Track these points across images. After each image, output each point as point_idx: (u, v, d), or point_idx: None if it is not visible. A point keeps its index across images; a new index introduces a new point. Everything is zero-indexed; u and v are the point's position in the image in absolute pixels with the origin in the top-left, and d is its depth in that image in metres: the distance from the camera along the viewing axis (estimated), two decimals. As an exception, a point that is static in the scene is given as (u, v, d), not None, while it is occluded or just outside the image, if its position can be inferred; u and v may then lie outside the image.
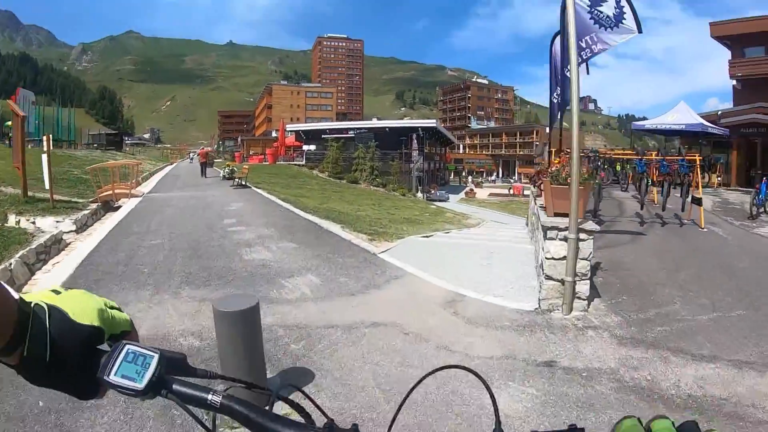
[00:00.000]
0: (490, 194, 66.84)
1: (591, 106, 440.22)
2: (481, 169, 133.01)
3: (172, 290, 8.15)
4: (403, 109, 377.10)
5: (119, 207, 18.17)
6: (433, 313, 7.41)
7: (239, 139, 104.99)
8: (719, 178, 32.03)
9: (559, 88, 12.27)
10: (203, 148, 41.28)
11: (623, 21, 8.13)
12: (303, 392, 1.03)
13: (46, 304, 0.87)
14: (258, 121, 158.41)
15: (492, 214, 36.61)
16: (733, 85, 37.18)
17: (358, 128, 55.64)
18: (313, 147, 56.39)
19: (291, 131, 64.41)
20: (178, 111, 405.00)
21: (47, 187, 15.74)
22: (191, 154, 52.47)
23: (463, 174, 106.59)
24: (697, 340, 6.42)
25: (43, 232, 12.24)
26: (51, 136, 18.74)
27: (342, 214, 17.02)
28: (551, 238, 7.50)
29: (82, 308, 0.92)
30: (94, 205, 17.25)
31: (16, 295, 0.81)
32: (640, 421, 0.84)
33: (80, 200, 17.92)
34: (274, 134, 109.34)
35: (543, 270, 7.59)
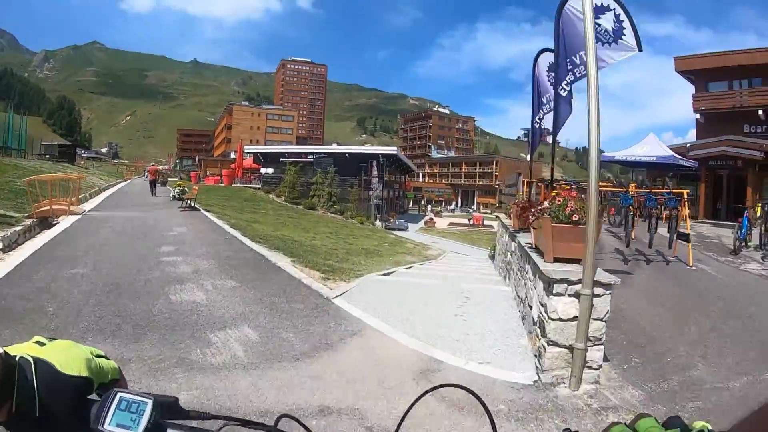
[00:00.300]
0: (450, 224, 66.57)
1: (549, 139, 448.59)
2: (441, 199, 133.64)
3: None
4: (364, 135, 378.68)
5: (56, 224, 16.94)
6: (403, 392, 5.47)
7: (197, 159, 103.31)
8: (688, 211, 32.45)
9: (542, 111, 11.51)
10: (153, 165, 40.17)
11: (622, 37, 7.48)
12: (303, 425, 1.04)
13: (32, 357, 0.87)
14: (217, 142, 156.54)
15: (452, 245, 36.63)
16: (697, 119, 38.00)
17: (317, 153, 55.03)
18: (271, 170, 55.52)
19: (249, 153, 63.42)
20: (138, 127, 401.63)
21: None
22: (145, 172, 51.57)
23: (422, 203, 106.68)
24: (739, 416, 5.74)
25: None
26: None
27: (295, 244, 16.02)
28: (558, 294, 5.87)
29: (69, 359, 0.92)
30: (29, 221, 16.05)
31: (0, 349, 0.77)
32: (626, 425, 0.89)
33: (16, 214, 16.82)
34: (232, 155, 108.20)
35: (544, 333, 6.07)
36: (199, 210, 23.56)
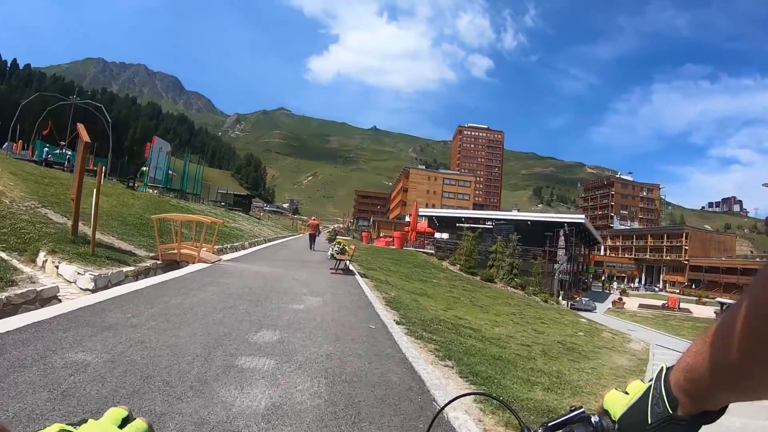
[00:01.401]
0: (640, 305, 59.34)
1: (736, 208, 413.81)
2: (623, 274, 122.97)
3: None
4: (540, 205, 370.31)
5: (177, 270, 13.73)
6: None
7: (371, 220, 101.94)
8: None
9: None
10: (313, 219, 37.84)
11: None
12: None
13: None
14: (392, 204, 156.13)
15: (652, 334, 32.41)
16: None
17: (497, 219, 50.53)
18: (446, 235, 52.00)
19: (424, 216, 59.98)
20: (318, 186, 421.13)
21: (91, 230, 13.00)
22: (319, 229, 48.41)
23: (603, 278, 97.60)
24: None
25: (33, 283, 9.62)
26: (104, 167, 15.75)
27: (474, 337, 11.14)
28: None
29: None
30: (148, 263, 14.01)
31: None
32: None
33: (142, 253, 14.98)
34: (407, 218, 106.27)
35: None
36: (355, 275, 19.18)
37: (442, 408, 1.17)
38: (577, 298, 48.14)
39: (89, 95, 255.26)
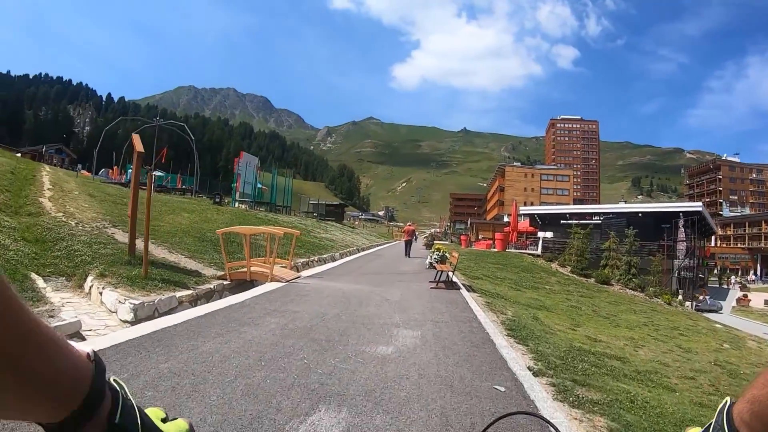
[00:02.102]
0: (767, 302, 53.44)
1: None
2: (736, 266, 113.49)
3: None
4: (639, 197, 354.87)
5: (248, 291, 11.58)
6: None
7: (469, 222, 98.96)
8: None
9: None
10: (409, 225, 35.91)
11: None
12: None
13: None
14: (489, 205, 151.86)
15: None
16: None
17: (606, 213, 46.74)
18: (549, 234, 48.47)
19: (525, 215, 56.61)
20: (413, 192, 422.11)
21: (143, 248, 11.17)
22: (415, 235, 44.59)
23: (715, 272, 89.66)
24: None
25: (51, 317, 7.56)
26: (154, 177, 13.71)
27: (624, 368, 8.48)
28: None
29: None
30: (213, 284, 12.03)
31: (88, 349, 0.69)
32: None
33: (209, 272, 13.16)
34: (506, 218, 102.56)
35: None
36: (460, 288, 15.72)
37: (493, 422, 1.05)
38: (701, 297, 43.70)
39: (182, 120, 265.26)
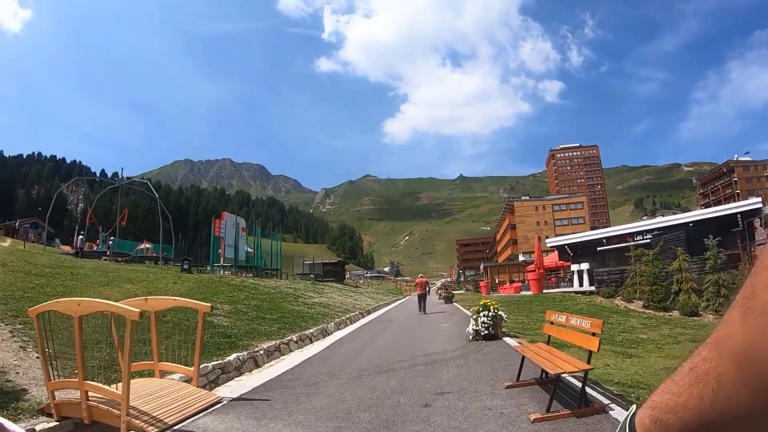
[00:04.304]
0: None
1: None
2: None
3: None
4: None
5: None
6: None
7: (482, 267, 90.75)
8: None
9: None
10: (420, 276, 30.76)
11: None
12: None
13: None
14: (500, 246, 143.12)
15: None
16: None
17: (652, 230, 39.04)
18: (585, 266, 40.93)
19: (553, 247, 48.92)
20: (417, 244, 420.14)
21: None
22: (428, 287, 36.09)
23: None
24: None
25: None
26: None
27: None
28: None
29: None
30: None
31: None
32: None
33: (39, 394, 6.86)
34: (521, 258, 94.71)
35: None
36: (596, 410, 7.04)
37: None
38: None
39: (178, 193, 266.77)
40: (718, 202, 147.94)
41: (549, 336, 8.55)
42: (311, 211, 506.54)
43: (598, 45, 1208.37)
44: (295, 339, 14.25)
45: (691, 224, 37.18)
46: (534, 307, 24.44)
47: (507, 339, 12.88)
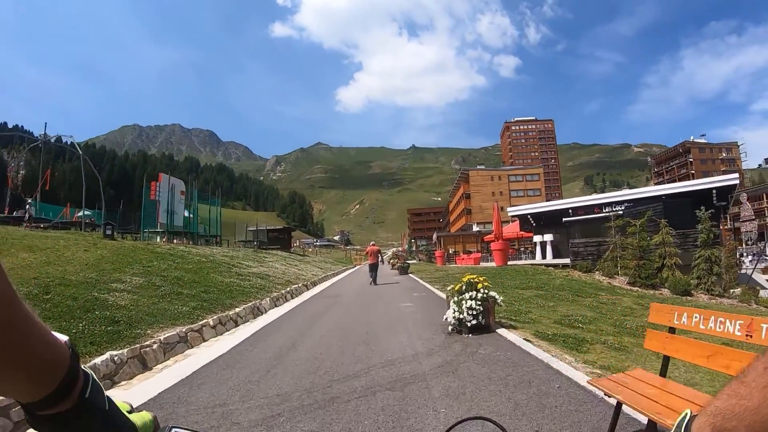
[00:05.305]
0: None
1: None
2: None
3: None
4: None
5: None
6: None
7: (435, 236, 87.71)
8: None
9: None
10: (372, 245, 27.97)
11: None
12: None
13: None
14: (453, 216, 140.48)
15: None
16: None
17: (623, 201, 36.40)
18: (548, 237, 38.48)
19: (514, 216, 46.08)
20: (367, 213, 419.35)
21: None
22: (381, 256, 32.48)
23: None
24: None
25: None
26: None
27: None
28: None
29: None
30: None
31: (65, 338, 0.77)
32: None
33: None
34: (475, 228, 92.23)
35: None
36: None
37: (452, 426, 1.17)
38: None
39: (123, 158, 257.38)
40: (673, 181, 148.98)
41: (667, 358, 4.50)
42: (261, 178, 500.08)
43: (557, 23, 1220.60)
44: (211, 323, 10.66)
45: (664, 197, 34.72)
46: (506, 281, 21.16)
47: (503, 331, 9.26)
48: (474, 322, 8.82)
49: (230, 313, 12.16)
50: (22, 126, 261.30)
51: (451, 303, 9.36)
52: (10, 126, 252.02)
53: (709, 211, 24.55)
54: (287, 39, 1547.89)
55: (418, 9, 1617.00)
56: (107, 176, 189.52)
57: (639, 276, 22.25)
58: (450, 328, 9.23)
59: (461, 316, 8.88)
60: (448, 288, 10.48)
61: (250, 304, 13.94)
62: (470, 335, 8.83)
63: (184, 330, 9.43)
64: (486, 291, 9.33)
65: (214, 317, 11.11)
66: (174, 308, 10.91)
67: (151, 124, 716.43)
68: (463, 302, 8.99)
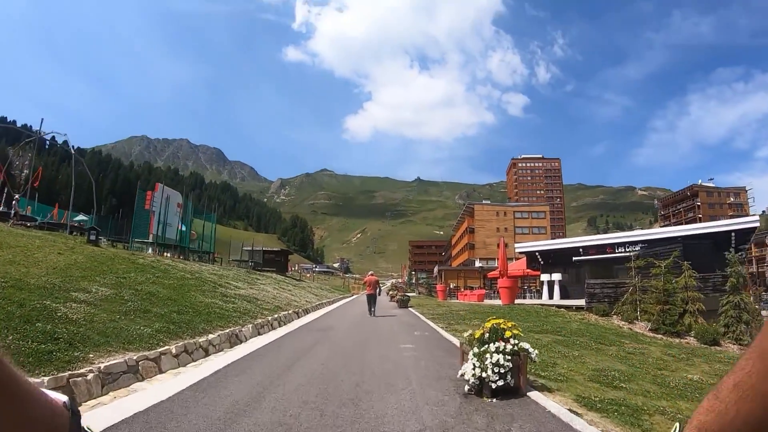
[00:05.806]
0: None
1: None
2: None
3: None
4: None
5: None
6: None
7: (436, 269, 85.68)
8: None
9: None
10: (370, 274, 27.06)
11: None
12: None
13: None
14: (455, 250, 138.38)
15: None
16: None
17: (642, 241, 34.61)
18: (557, 276, 36.76)
19: (522, 253, 44.37)
20: (368, 243, 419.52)
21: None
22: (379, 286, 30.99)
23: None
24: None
25: None
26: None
27: None
28: None
29: None
30: None
31: (63, 398, 0.73)
32: None
33: None
34: (477, 263, 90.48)
35: None
36: None
37: None
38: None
39: (128, 169, 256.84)
40: (680, 224, 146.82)
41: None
42: (265, 200, 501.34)
43: (567, 64, 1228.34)
44: (174, 351, 8.84)
45: (680, 238, 32.97)
46: (518, 324, 19.32)
47: (536, 396, 7.02)
48: (501, 383, 6.59)
49: (200, 339, 10.36)
50: (30, 126, 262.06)
51: (470, 355, 7.23)
52: (18, 125, 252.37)
53: (739, 254, 22.77)
54: (299, 63, 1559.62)
55: (431, 43, 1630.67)
56: (111, 184, 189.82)
57: (662, 322, 20.31)
58: (467, 387, 7.04)
59: (484, 375, 6.74)
60: (465, 334, 8.42)
61: (227, 330, 12.14)
62: (494, 400, 6.53)
63: (135, 357, 7.64)
64: (517, 342, 7.37)
65: (179, 344, 9.33)
66: (133, 328, 9.16)
67: (160, 137, 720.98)
68: (488, 356, 6.89)
